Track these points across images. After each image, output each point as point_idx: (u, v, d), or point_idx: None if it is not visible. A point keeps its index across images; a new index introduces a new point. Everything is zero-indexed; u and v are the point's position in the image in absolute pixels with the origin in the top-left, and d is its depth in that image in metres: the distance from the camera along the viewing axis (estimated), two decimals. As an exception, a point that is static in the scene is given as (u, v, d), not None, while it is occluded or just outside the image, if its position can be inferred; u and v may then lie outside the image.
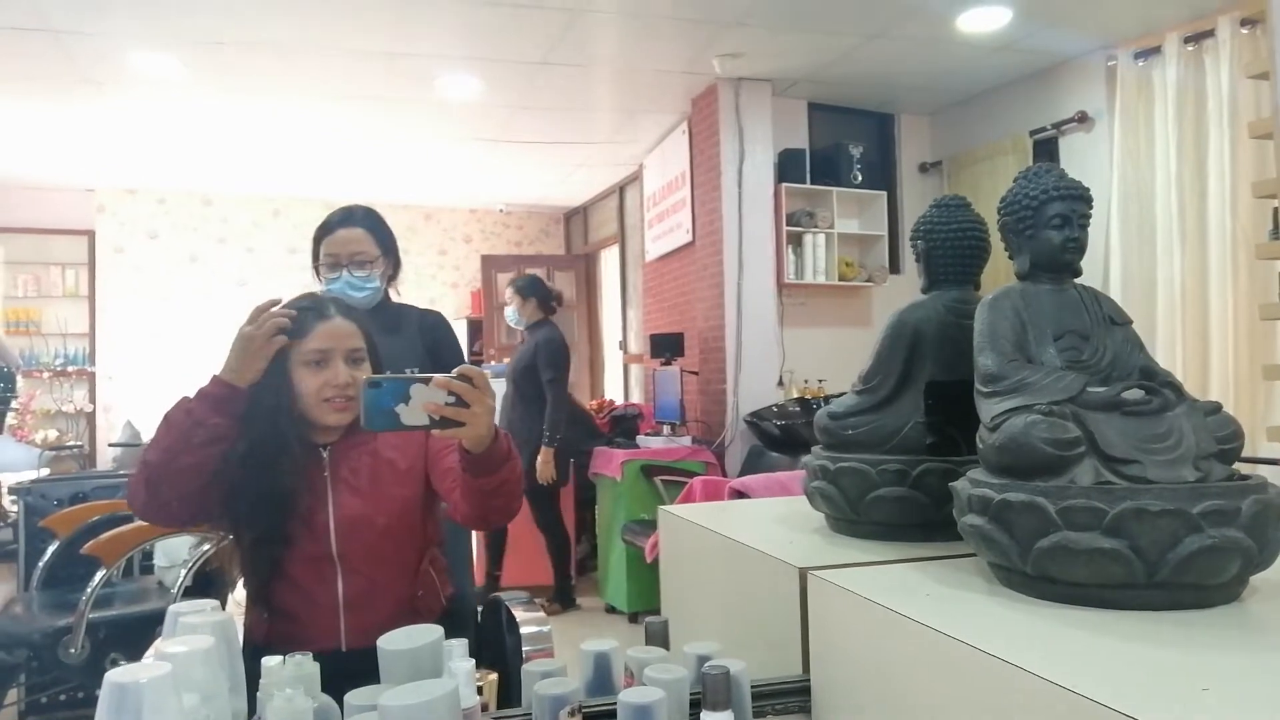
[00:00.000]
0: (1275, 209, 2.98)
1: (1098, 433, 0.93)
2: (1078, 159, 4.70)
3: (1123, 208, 4.34)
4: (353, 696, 0.95)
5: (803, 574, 1.12)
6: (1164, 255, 4.21)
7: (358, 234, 2.24)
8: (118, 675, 0.76)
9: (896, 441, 1.24)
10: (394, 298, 2.41)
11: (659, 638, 1.16)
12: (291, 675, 0.98)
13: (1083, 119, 4.66)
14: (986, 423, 0.99)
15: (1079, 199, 1.07)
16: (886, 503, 1.22)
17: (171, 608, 0.99)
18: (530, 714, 1.00)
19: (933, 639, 0.87)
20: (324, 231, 2.25)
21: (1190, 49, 4.15)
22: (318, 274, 2.30)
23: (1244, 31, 3.90)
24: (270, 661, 0.99)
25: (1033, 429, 0.93)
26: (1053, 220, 1.06)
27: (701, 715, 0.95)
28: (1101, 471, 0.92)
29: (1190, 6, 4.03)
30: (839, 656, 1.04)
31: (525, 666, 1.05)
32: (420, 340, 2.41)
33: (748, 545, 1.28)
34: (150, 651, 0.97)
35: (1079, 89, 4.73)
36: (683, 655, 1.09)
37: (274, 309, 1.48)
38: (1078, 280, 1.11)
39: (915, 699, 0.91)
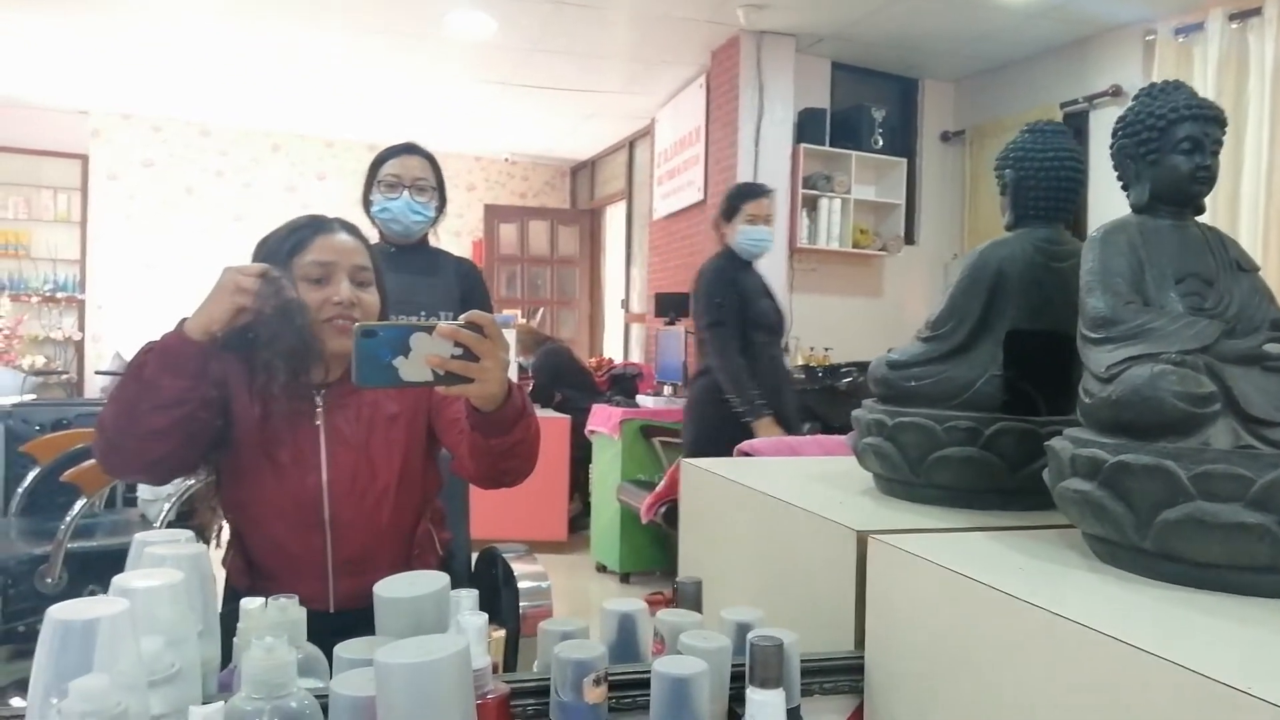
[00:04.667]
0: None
1: (1236, 389, 0.79)
2: (1109, 135, 4.53)
3: (1155, 186, 4.20)
4: (344, 649, 0.82)
5: (861, 538, 0.98)
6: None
7: (421, 162, 2.27)
8: (62, 611, 0.62)
9: (968, 396, 1.09)
10: (432, 242, 2.38)
11: (692, 600, 1.02)
12: (274, 621, 0.85)
13: (1116, 93, 4.48)
14: (1099, 373, 0.85)
15: (1213, 121, 0.92)
16: (953, 464, 1.08)
17: (137, 536, 0.84)
18: (548, 679, 0.86)
19: (1035, 617, 0.73)
20: (386, 155, 2.27)
21: (1235, 26, 3.99)
22: (368, 202, 2.26)
23: (1296, 8, 3.75)
24: (250, 604, 0.85)
25: (1160, 380, 0.79)
26: (1181, 144, 0.91)
27: (748, 692, 0.81)
28: (1241, 434, 0.78)
29: (1240, -21, 3.87)
30: (904, 633, 0.91)
31: (543, 624, 0.92)
32: (457, 286, 2.35)
33: (792, 504, 1.14)
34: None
35: (1113, 61, 4.55)
36: (721, 622, 0.96)
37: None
38: (1199, 219, 0.96)
39: (1004, 687, 0.77)
